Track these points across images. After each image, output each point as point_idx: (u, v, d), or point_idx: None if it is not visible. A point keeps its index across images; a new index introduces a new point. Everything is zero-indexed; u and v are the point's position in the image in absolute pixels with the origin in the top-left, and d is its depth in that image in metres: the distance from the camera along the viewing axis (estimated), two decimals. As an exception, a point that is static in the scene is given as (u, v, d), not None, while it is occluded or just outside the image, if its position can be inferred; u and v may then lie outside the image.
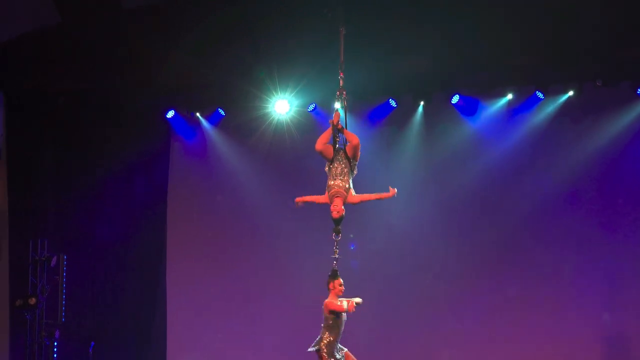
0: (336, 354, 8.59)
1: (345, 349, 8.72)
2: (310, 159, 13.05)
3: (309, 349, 8.64)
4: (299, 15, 11.67)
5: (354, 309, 8.47)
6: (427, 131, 13.05)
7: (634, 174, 12.24)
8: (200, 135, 13.76)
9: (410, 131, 13.10)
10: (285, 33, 11.85)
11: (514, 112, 12.75)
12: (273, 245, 13.34)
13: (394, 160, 12.97)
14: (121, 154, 13.35)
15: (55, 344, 12.58)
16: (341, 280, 8.72)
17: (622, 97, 12.19)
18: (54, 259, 12.63)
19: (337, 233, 8.72)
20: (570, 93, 12.41)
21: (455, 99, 12.69)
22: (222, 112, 13.53)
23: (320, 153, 8.78)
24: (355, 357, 8.79)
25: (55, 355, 12.59)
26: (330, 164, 8.75)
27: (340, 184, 8.64)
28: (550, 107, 12.57)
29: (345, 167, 8.71)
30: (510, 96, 12.66)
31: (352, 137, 8.84)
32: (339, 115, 8.94)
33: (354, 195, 8.71)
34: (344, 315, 8.63)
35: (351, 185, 8.72)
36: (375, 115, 13.10)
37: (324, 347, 8.57)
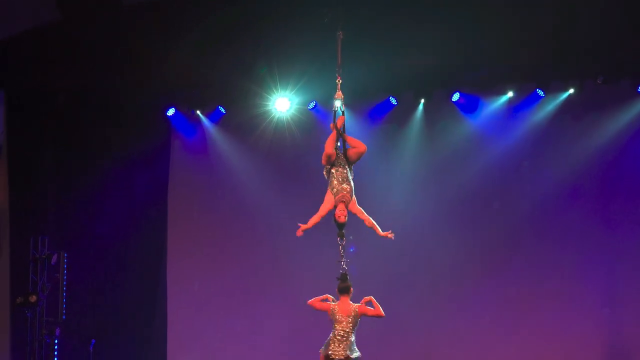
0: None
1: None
2: (311, 157, 13.10)
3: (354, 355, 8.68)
4: (299, 12, 11.65)
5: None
6: (427, 129, 13.04)
7: (634, 171, 12.23)
8: (201, 133, 13.77)
9: (410, 129, 13.10)
10: (285, 31, 11.82)
11: (515, 109, 12.75)
12: (273, 243, 13.33)
13: (395, 158, 12.97)
14: (122, 151, 13.36)
15: (56, 341, 12.58)
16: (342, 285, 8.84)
17: (623, 95, 12.18)
18: (55, 257, 12.63)
19: (342, 237, 8.73)
20: (571, 91, 12.42)
21: (456, 97, 12.69)
22: (223, 110, 13.54)
23: (330, 157, 8.73)
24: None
25: (56, 353, 12.59)
26: (332, 168, 8.71)
27: (348, 189, 8.65)
28: (550, 104, 12.57)
29: (346, 172, 8.70)
30: (510, 94, 12.66)
31: (360, 143, 8.85)
32: (343, 120, 8.92)
33: (356, 205, 8.73)
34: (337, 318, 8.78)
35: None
36: (375, 112, 13.10)
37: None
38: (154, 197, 13.69)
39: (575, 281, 12.30)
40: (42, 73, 12.63)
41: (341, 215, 8.61)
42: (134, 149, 13.42)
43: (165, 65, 12.32)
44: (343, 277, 8.93)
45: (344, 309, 8.85)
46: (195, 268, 13.58)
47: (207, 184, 13.75)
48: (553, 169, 12.49)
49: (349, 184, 8.67)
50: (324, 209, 8.69)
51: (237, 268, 13.47)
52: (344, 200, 8.62)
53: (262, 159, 13.50)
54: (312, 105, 13.03)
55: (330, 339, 8.81)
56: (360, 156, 8.83)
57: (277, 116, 13.22)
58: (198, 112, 13.63)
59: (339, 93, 8.99)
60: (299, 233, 8.69)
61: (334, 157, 8.74)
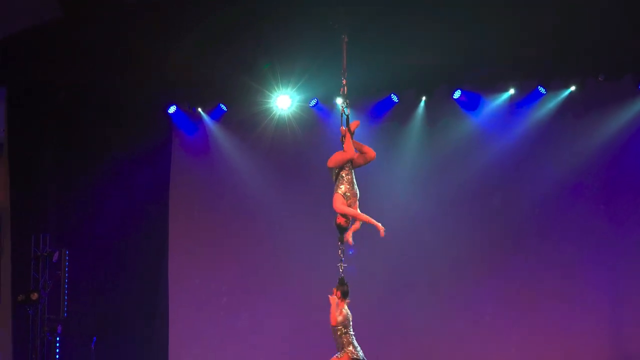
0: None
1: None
2: (312, 154, 13.11)
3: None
4: (301, 10, 11.64)
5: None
6: (429, 126, 13.04)
7: (636, 169, 12.23)
8: (202, 131, 13.76)
9: (412, 127, 13.09)
10: (286, 28, 11.82)
11: (516, 107, 12.74)
12: (274, 241, 13.34)
13: (396, 156, 12.96)
14: (123, 149, 13.35)
15: (58, 339, 12.59)
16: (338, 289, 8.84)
17: (624, 92, 12.18)
18: (56, 254, 12.63)
19: (343, 242, 8.73)
20: (573, 88, 12.42)
21: (457, 94, 12.69)
22: (224, 108, 13.53)
23: (352, 161, 8.65)
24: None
25: (57, 350, 12.60)
26: (341, 171, 8.66)
27: (358, 194, 8.64)
28: (552, 102, 12.57)
29: (352, 176, 8.68)
30: (512, 91, 12.65)
31: (370, 150, 8.79)
32: (357, 124, 8.88)
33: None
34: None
35: None
36: (377, 110, 13.09)
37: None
38: (155, 195, 13.68)
39: (576, 280, 12.31)
40: (44, 71, 12.63)
41: (345, 221, 8.59)
42: (135, 147, 13.41)
43: (166, 62, 12.32)
44: (341, 281, 8.93)
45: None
46: (196, 265, 13.58)
47: (209, 182, 13.75)
48: (554, 167, 12.49)
49: (357, 189, 8.65)
50: (349, 209, 8.55)
51: (239, 265, 13.47)
52: (354, 205, 8.60)
53: (263, 156, 13.49)
54: (313, 102, 13.03)
55: (351, 341, 8.79)
56: (367, 162, 8.79)
57: (278, 114, 13.21)
58: (199, 109, 13.63)
59: (344, 96, 8.94)
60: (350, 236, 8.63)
61: (354, 161, 8.72)
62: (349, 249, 12.16)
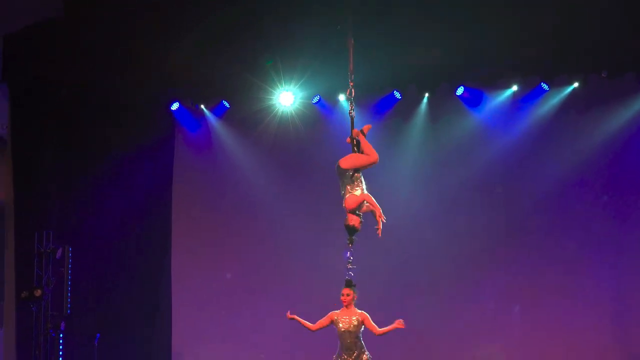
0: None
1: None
2: (315, 151, 13.13)
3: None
4: (303, 7, 11.65)
5: None
6: (431, 123, 13.03)
7: (639, 165, 12.22)
8: (205, 128, 13.77)
9: (414, 123, 13.09)
10: (289, 25, 11.82)
11: (519, 103, 12.73)
12: (277, 238, 13.35)
13: (399, 152, 12.95)
14: (125, 146, 13.36)
15: (61, 335, 12.60)
16: (345, 291, 9.01)
17: (627, 89, 12.17)
18: (59, 251, 12.64)
19: (352, 243, 8.73)
20: (575, 84, 12.41)
21: (460, 91, 12.68)
22: (227, 104, 13.53)
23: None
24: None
25: (61, 347, 12.61)
26: (356, 172, 8.65)
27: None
28: (555, 98, 12.56)
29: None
30: (515, 88, 12.64)
31: (373, 152, 8.76)
32: (369, 127, 8.87)
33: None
34: (342, 329, 8.96)
35: None
36: (379, 107, 13.09)
37: None
38: (158, 192, 13.69)
39: (579, 276, 12.30)
40: (46, 69, 12.63)
41: (359, 223, 8.58)
42: (137, 144, 13.43)
43: (168, 60, 12.32)
44: (348, 284, 8.94)
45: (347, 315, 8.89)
46: (199, 262, 13.59)
47: (211, 178, 13.75)
48: (557, 163, 12.48)
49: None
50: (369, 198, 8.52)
51: (242, 262, 13.47)
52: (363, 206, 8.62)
53: (266, 153, 13.50)
54: (316, 99, 13.03)
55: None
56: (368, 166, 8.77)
57: (281, 110, 13.22)
58: (202, 106, 13.63)
59: (351, 99, 8.91)
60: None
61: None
62: (346, 252, 12.23)
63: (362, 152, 8.65)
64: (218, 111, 13.62)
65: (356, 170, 8.58)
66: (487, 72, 12.44)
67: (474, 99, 12.84)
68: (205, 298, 13.45)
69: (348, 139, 8.81)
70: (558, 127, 12.54)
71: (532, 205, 12.51)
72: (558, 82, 12.44)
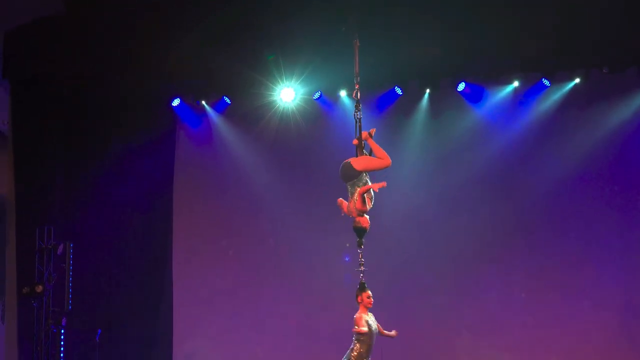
0: None
1: None
2: (316, 147, 13.13)
3: None
4: (304, 2, 11.65)
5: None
6: (433, 119, 13.03)
7: (640, 160, 12.25)
8: (206, 124, 13.76)
9: (416, 119, 13.08)
10: (290, 21, 11.82)
11: (520, 99, 12.72)
12: (278, 234, 13.35)
13: (400, 148, 12.92)
14: (127, 142, 13.37)
15: (62, 331, 12.62)
16: (369, 293, 8.63)
17: (629, 84, 12.17)
18: (61, 247, 12.66)
19: (361, 246, 8.69)
20: (577, 80, 12.39)
21: (462, 87, 12.67)
22: (228, 100, 13.53)
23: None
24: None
25: (62, 343, 12.63)
26: (366, 175, 8.67)
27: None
28: (556, 94, 12.55)
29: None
30: (516, 83, 12.63)
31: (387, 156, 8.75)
32: (374, 131, 8.86)
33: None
34: (374, 330, 8.59)
35: None
36: (381, 102, 13.08)
37: (353, 359, 8.51)
38: (159, 188, 13.69)
39: (582, 273, 12.29)
40: (47, 64, 12.65)
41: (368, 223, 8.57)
42: (139, 140, 13.42)
43: (170, 56, 12.33)
44: (361, 287, 8.84)
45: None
46: (200, 258, 13.59)
47: (212, 174, 13.76)
48: (559, 159, 12.48)
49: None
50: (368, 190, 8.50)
51: (243, 258, 13.47)
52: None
53: (267, 149, 13.50)
54: (317, 95, 13.02)
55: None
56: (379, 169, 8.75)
57: (282, 106, 13.21)
58: (203, 102, 13.63)
59: (358, 101, 8.88)
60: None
61: None
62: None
63: (371, 155, 8.65)
64: (219, 107, 13.62)
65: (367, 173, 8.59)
66: (489, 68, 12.42)
67: (475, 95, 12.83)
68: (206, 293, 13.45)
69: (355, 141, 8.76)
70: (559, 123, 12.53)
71: (533, 201, 12.50)
72: (559, 78, 12.43)
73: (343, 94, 12.96)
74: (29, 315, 12.58)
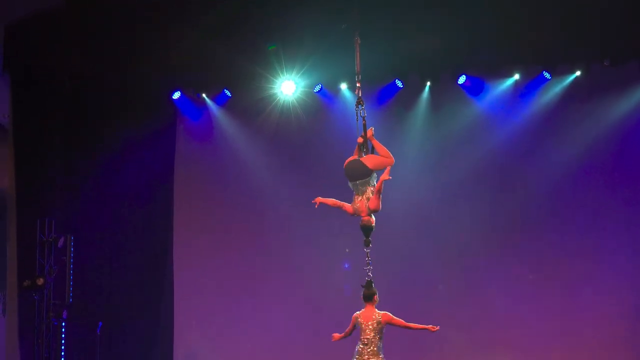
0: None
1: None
2: (316, 140, 13.13)
3: None
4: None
5: None
6: (433, 112, 13.03)
7: (641, 153, 12.25)
8: (207, 116, 13.75)
9: (416, 112, 13.08)
10: (291, 13, 11.80)
11: (521, 92, 12.72)
12: (279, 228, 13.36)
13: (401, 141, 12.92)
14: (127, 135, 13.34)
15: (63, 324, 12.64)
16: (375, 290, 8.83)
17: (630, 77, 12.17)
18: (61, 240, 12.65)
19: (368, 244, 8.75)
20: (578, 73, 12.39)
21: (462, 79, 12.65)
22: (228, 93, 13.51)
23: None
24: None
25: (63, 335, 12.64)
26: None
27: None
28: (557, 87, 12.55)
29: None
30: (517, 76, 12.62)
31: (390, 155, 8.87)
32: (372, 130, 8.89)
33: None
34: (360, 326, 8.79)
35: None
36: (381, 95, 13.08)
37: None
38: (160, 180, 13.69)
39: (582, 265, 12.32)
40: (48, 58, 12.62)
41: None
42: (139, 132, 13.39)
43: (170, 49, 12.31)
44: (368, 285, 8.88)
45: (366, 316, 8.79)
46: (201, 251, 13.60)
47: (213, 167, 13.76)
48: (560, 152, 12.49)
49: None
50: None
51: (244, 251, 13.48)
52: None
53: (267, 142, 13.50)
54: (318, 88, 13.00)
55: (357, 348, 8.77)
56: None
57: (282, 99, 13.20)
58: (204, 95, 13.61)
59: (360, 99, 8.89)
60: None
61: None
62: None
63: (374, 154, 8.72)
64: (220, 100, 13.61)
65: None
66: (489, 61, 12.39)
67: (475, 88, 12.83)
68: (207, 286, 13.47)
69: (360, 139, 8.79)
70: (560, 116, 12.53)
71: (534, 194, 12.52)
72: (560, 71, 12.42)
73: (344, 86, 12.95)
74: (29, 308, 12.57)
